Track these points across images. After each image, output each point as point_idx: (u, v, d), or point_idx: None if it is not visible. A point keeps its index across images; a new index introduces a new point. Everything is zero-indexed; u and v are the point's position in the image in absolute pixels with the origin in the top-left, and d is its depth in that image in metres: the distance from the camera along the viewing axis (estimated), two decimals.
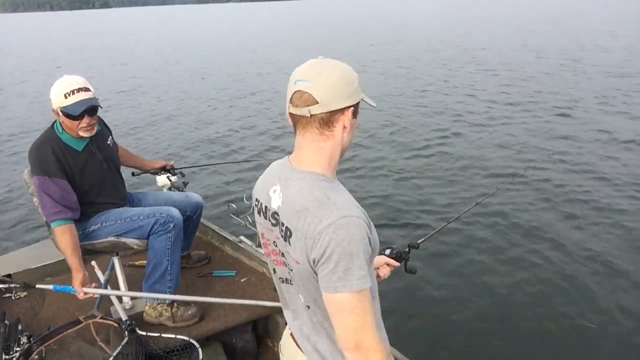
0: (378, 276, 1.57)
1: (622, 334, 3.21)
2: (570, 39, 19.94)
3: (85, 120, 2.20)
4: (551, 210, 4.97)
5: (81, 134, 2.23)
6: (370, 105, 1.20)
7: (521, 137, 7.48)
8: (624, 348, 3.09)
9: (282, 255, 1.16)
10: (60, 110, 2.17)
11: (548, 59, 15.25)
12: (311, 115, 1.09)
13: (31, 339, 1.98)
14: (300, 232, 1.07)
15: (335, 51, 19.43)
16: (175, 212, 2.36)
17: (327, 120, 1.10)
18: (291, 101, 1.11)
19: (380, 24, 35.95)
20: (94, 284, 2.25)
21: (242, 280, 2.75)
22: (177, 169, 3.01)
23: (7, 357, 1.92)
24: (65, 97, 2.14)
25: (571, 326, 3.29)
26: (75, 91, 2.15)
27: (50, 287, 2.25)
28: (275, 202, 1.15)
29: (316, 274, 1.07)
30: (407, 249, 1.72)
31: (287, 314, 1.33)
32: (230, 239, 3.07)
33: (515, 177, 2.86)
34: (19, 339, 1.99)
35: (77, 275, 2.16)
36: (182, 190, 2.95)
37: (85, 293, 2.19)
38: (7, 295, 2.62)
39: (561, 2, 55.65)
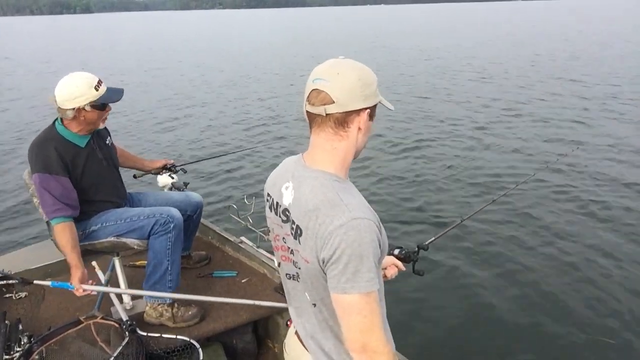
0: (385, 276, 1.57)
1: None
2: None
3: (108, 109, 2.30)
4: (567, 212, 4.93)
5: (101, 125, 2.31)
6: (388, 108, 1.21)
7: (535, 138, 7.47)
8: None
9: (291, 252, 1.17)
10: (91, 105, 2.20)
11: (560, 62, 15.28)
12: (327, 115, 1.09)
13: (32, 339, 1.98)
14: (311, 232, 1.07)
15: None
16: (176, 213, 2.36)
17: (343, 120, 1.10)
18: (308, 99, 1.11)
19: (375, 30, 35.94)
20: (92, 282, 2.23)
21: (242, 281, 2.75)
22: (178, 166, 3.00)
23: (7, 357, 1.92)
24: (97, 89, 2.20)
25: (584, 334, 3.23)
26: (99, 82, 2.23)
27: (49, 283, 2.24)
28: (287, 199, 1.15)
29: (325, 273, 1.08)
30: (416, 250, 1.71)
31: (291, 310, 1.33)
32: (231, 239, 3.07)
33: (530, 177, 2.83)
34: (20, 339, 1.99)
35: (76, 272, 2.15)
36: (182, 190, 2.95)
37: (84, 290, 2.17)
38: (8, 295, 2.62)
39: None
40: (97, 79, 2.23)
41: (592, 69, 13.85)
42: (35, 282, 2.31)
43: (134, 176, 2.97)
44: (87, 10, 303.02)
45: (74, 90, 2.16)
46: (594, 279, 3.81)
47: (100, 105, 2.24)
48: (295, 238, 1.12)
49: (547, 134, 7.64)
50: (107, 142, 2.49)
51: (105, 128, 2.55)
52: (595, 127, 8.02)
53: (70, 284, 2.17)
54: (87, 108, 2.20)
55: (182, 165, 3.06)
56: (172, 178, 2.95)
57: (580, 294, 3.65)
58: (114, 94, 2.28)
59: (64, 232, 2.17)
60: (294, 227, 1.12)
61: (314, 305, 1.19)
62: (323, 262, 1.06)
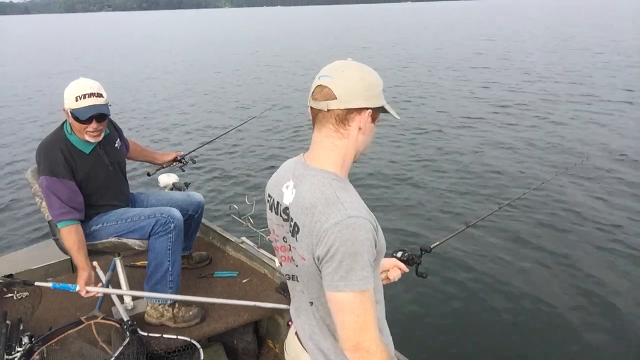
0: (388, 278, 1.58)
1: None
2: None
3: (93, 126, 2.20)
4: (576, 220, 4.85)
5: (87, 138, 2.23)
6: (394, 117, 1.22)
7: (548, 145, 7.31)
8: None
9: (290, 251, 1.18)
10: (70, 112, 2.18)
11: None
12: (328, 110, 1.12)
13: (33, 339, 1.99)
14: (307, 229, 1.08)
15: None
16: (176, 213, 2.35)
17: (343, 117, 1.12)
18: (312, 95, 1.14)
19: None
20: (99, 284, 2.24)
21: (243, 281, 2.75)
22: (186, 155, 3.02)
23: (8, 357, 1.92)
24: (76, 100, 2.15)
25: (585, 338, 3.22)
26: (87, 95, 2.15)
27: (50, 285, 2.23)
28: (288, 198, 1.17)
29: (320, 271, 1.09)
30: (419, 253, 1.71)
31: (292, 311, 1.34)
32: (232, 239, 3.07)
33: (540, 185, 2.80)
34: (21, 339, 1.99)
35: (83, 274, 2.16)
36: (183, 190, 2.95)
37: (88, 292, 2.17)
38: (9, 295, 2.62)
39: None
40: (87, 92, 2.15)
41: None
42: (36, 283, 2.29)
43: (148, 174, 2.97)
44: None
45: (65, 92, 2.18)
46: (600, 286, 3.76)
47: (78, 119, 2.15)
48: (293, 236, 1.14)
49: (560, 141, 7.47)
50: (116, 144, 2.49)
51: (116, 128, 2.56)
52: (612, 133, 7.78)
53: (73, 286, 2.17)
54: (70, 115, 2.19)
55: (189, 153, 3.07)
56: (182, 170, 2.99)
57: (586, 299, 3.62)
58: (83, 112, 2.14)
59: (71, 235, 2.17)
60: (292, 224, 1.13)
61: (311, 303, 1.20)
62: (318, 260, 1.07)
